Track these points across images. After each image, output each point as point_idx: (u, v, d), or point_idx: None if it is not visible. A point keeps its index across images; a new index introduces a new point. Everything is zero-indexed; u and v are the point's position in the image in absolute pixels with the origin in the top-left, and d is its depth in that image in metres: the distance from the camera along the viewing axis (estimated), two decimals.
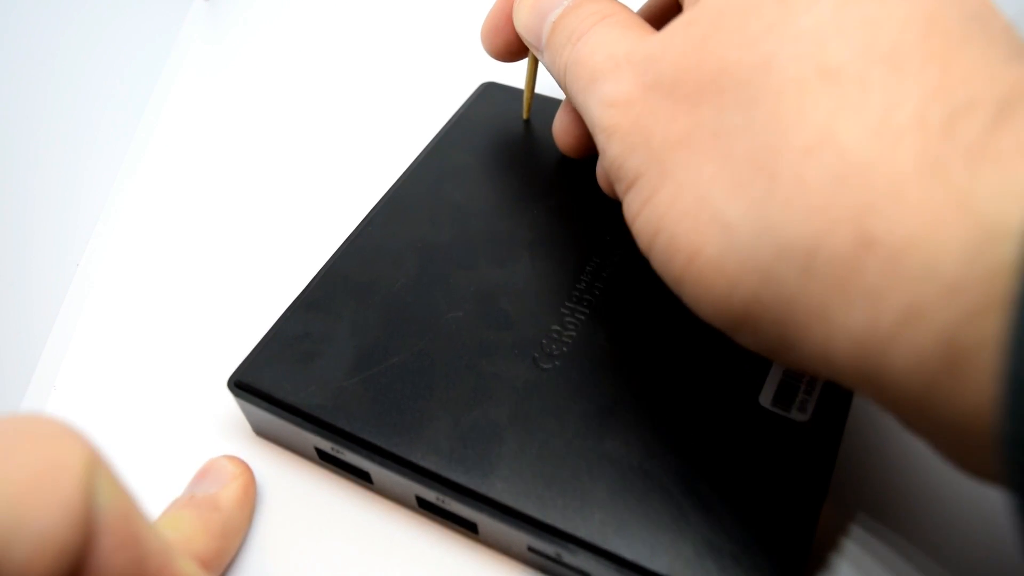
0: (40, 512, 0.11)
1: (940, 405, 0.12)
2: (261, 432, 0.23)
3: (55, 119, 0.28)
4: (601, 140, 0.18)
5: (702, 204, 0.15)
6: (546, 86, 0.30)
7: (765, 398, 0.20)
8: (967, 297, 0.11)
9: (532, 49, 0.23)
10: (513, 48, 0.25)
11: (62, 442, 0.12)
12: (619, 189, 0.18)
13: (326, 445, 0.21)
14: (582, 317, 0.22)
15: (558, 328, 0.22)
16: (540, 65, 0.27)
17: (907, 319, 0.12)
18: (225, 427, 0.23)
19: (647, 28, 0.19)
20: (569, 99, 0.21)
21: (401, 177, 0.26)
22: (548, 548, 0.19)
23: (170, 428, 0.23)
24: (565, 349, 0.21)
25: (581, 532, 0.18)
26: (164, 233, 0.29)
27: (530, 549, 0.19)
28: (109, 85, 0.32)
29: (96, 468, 0.12)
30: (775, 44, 0.15)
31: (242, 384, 0.21)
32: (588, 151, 0.24)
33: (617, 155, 0.18)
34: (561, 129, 0.24)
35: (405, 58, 0.36)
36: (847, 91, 0.14)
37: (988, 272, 0.11)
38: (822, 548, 0.20)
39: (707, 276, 0.15)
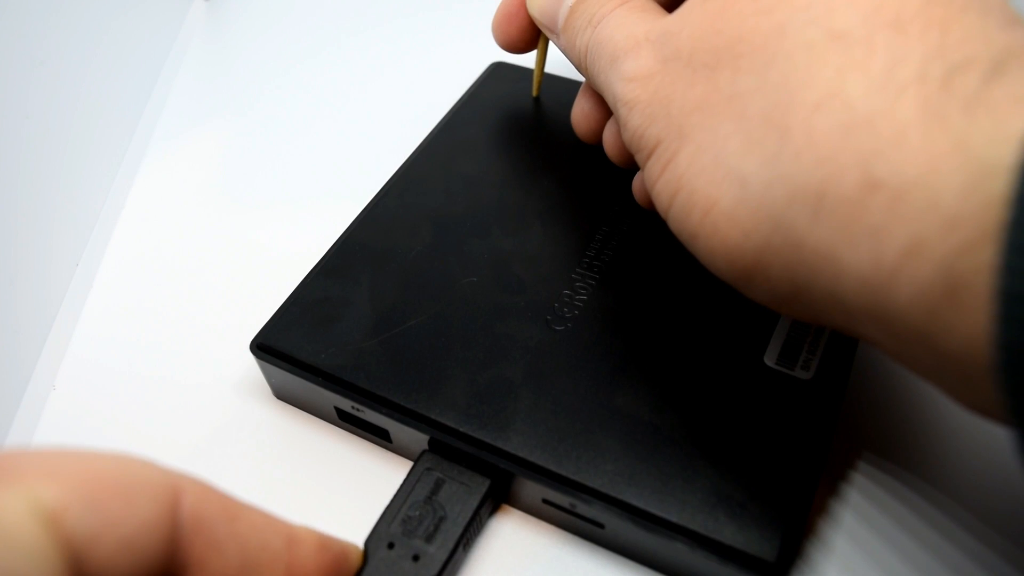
0: (119, 516, 0.13)
1: (942, 336, 0.13)
2: (281, 395, 0.23)
3: (55, 119, 0.28)
4: (623, 113, 0.19)
5: (718, 161, 0.16)
6: (554, 66, 0.30)
7: (770, 357, 0.21)
8: (964, 229, 0.12)
9: (547, 32, 0.24)
10: (526, 36, 0.26)
11: (144, 472, 0.14)
12: (640, 158, 0.19)
13: (346, 404, 0.21)
14: (592, 282, 0.23)
15: (569, 292, 0.22)
16: (550, 46, 0.27)
17: (909, 253, 0.13)
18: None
19: (662, 11, 0.20)
20: (589, 79, 0.22)
21: (415, 152, 0.27)
22: (562, 499, 0.19)
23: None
24: (576, 312, 0.22)
25: (594, 483, 0.19)
26: (164, 233, 0.29)
27: (545, 501, 0.20)
28: (109, 85, 0.31)
29: (180, 487, 0.14)
30: (788, 12, 0.16)
31: (264, 346, 0.22)
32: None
33: (638, 125, 0.19)
34: (580, 115, 0.25)
35: (411, 45, 0.36)
36: (854, 52, 0.15)
37: (983, 205, 0.12)
38: (827, 493, 0.21)
39: (722, 227, 0.16)
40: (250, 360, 0.23)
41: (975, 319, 0.12)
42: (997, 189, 0.12)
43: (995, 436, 0.22)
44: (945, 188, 0.13)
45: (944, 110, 0.13)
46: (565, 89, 0.29)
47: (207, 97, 0.34)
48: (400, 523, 0.19)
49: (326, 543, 0.16)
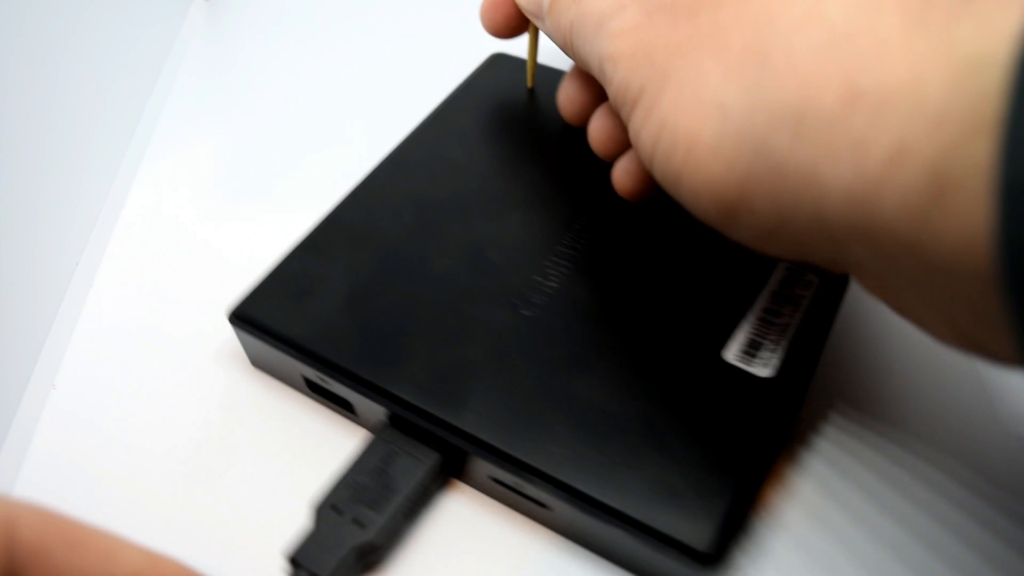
0: None
1: (931, 244, 0.13)
2: (257, 364, 0.24)
3: (55, 119, 0.28)
4: (608, 70, 0.19)
5: (700, 95, 0.16)
6: (551, 58, 0.31)
7: (730, 353, 0.21)
8: (952, 127, 0.12)
9: (532, 19, 0.25)
10: (512, 23, 0.26)
11: None
12: (625, 113, 0.19)
13: (313, 374, 0.22)
14: (564, 271, 0.23)
15: (540, 279, 0.23)
16: (540, 36, 0.28)
17: (893, 160, 0.13)
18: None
19: None
20: (575, 56, 0.22)
21: (406, 137, 0.28)
22: (509, 478, 0.20)
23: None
24: (545, 299, 0.22)
25: (539, 464, 0.19)
26: (164, 233, 0.29)
27: (493, 479, 0.20)
28: (109, 85, 0.31)
29: (14, 517, 0.14)
30: None
31: (240, 316, 0.23)
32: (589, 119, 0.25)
33: (623, 78, 0.19)
34: (565, 98, 0.25)
35: (412, 42, 0.36)
36: None
37: (972, 101, 0.12)
38: (799, 446, 0.22)
39: (705, 162, 0.16)
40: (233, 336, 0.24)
41: (966, 220, 0.12)
42: (988, 83, 0.12)
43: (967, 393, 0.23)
44: (930, 90, 0.13)
45: (926, 18, 0.13)
46: (560, 81, 0.29)
47: (207, 97, 0.34)
48: (349, 489, 0.20)
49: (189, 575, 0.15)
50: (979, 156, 0.12)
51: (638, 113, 0.18)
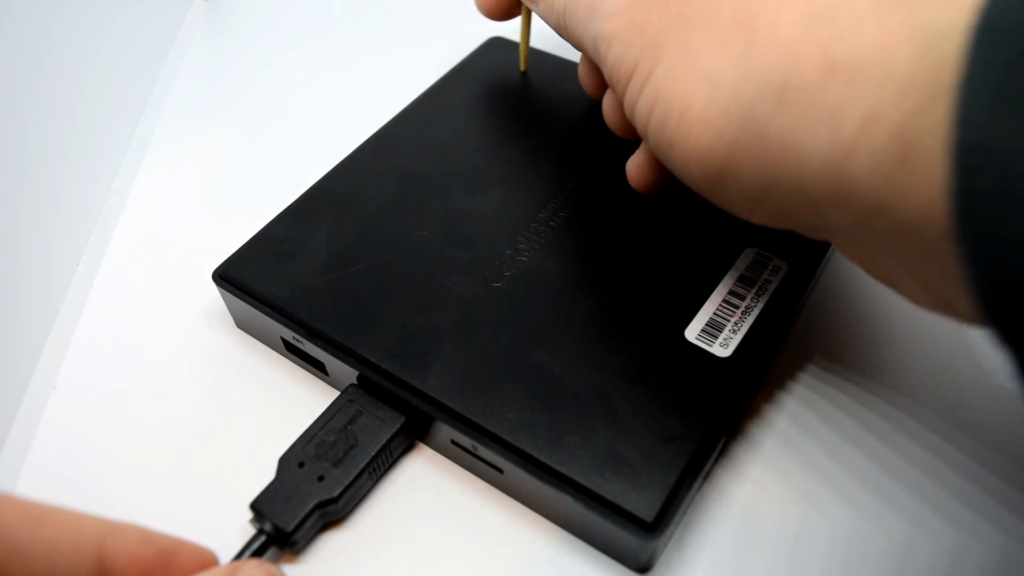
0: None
1: (899, 205, 0.14)
2: (240, 324, 0.25)
3: (55, 118, 0.28)
4: (603, 49, 0.20)
5: (692, 67, 0.17)
6: (546, 42, 0.31)
7: (691, 332, 0.21)
8: (916, 93, 0.13)
9: (526, 1, 0.25)
10: (505, 5, 0.27)
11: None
12: (620, 88, 0.20)
13: (288, 335, 0.23)
14: (535, 246, 0.24)
15: (511, 252, 0.23)
16: (533, 21, 0.28)
17: (864, 125, 0.14)
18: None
19: None
20: (569, 38, 0.22)
21: (398, 113, 0.28)
22: (466, 441, 0.20)
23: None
24: (515, 271, 0.23)
25: (495, 428, 0.20)
26: (164, 233, 0.29)
27: (452, 442, 0.21)
28: (109, 84, 0.31)
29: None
30: None
31: (224, 276, 0.24)
32: None
33: (617, 55, 0.19)
34: (583, 75, 0.25)
35: (411, 39, 0.36)
36: None
37: (933, 68, 0.13)
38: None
39: (695, 130, 0.17)
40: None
41: (929, 180, 0.13)
42: (947, 50, 0.13)
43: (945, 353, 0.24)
44: (898, 58, 0.13)
45: None
46: (552, 65, 0.30)
47: (207, 96, 0.34)
48: (314, 446, 0.21)
49: (148, 538, 0.16)
50: (938, 119, 0.13)
51: (633, 86, 0.19)
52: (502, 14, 0.27)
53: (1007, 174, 0.11)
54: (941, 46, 0.13)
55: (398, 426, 0.21)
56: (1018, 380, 0.13)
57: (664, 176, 0.22)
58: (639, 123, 0.19)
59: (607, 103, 0.23)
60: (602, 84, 0.25)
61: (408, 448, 0.22)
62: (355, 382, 0.22)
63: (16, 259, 0.25)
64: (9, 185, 0.25)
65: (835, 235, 0.17)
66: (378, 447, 0.21)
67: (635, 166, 0.23)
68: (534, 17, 0.28)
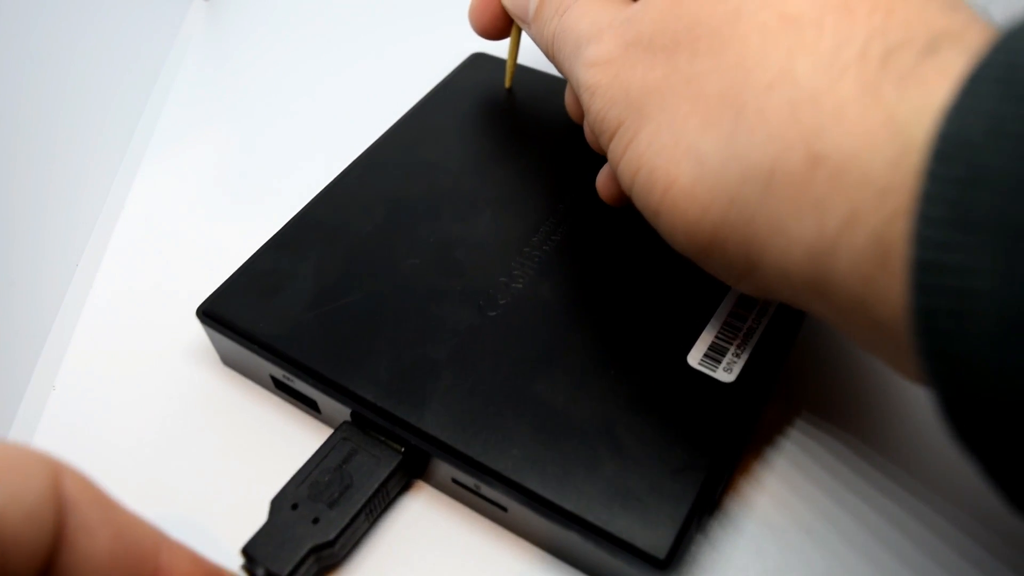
0: (20, 489, 0.13)
1: (876, 305, 0.14)
2: (227, 361, 0.24)
3: (55, 118, 0.28)
4: (585, 98, 0.20)
5: (678, 139, 0.17)
6: (531, 59, 0.31)
7: (694, 358, 0.21)
8: (893, 199, 0.13)
9: (519, 22, 0.25)
10: (499, 24, 0.26)
11: (29, 451, 0.14)
12: (603, 141, 0.19)
13: (279, 373, 0.22)
14: (530, 272, 0.23)
15: (506, 280, 0.23)
16: (523, 37, 0.28)
17: (847, 223, 0.14)
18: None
19: (626, 1, 0.21)
20: (557, 67, 0.22)
21: (382, 135, 0.27)
22: (468, 480, 0.20)
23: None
24: (510, 299, 0.22)
25: (498, 466, 0.19)
26: (164, 233, 0.29)
27: (454, 480, 0.20)
28: (109, 85, 0.31)
29: (61, 469, 0.14)
30: None
31: (209, 313, 0.23)
32: None
33: (600, 109, 0.19)
34: (569, 100, 0.25)
35: (411, 42, 0.36)
36: (805, 34, 0.15)
37: (907, 176, 0.13)
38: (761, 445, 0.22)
39: (681, 204, 0.17)
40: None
41: (901, 285, 0.13)
42: (915, 159, 0.13)
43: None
44: (877, 160, 0.13)
45: (880, 86, 0.14)
46: (538, 82, 0.29)
47: (206, 97, 0.34)
48: (308, 487, 0.20)
49: (198, 560, 0.16)
50: (908, 228, 0.13)
51: (616, 145, 0.19)
52: (497, 33, 0.26)
53: (960, 294, 0.12)
54: (913, 155, 0.13)
55: (395, 464, 0.20)
56: (986, 484, 0.13)
57: None
58: (623, 182, 0.19)
59: (589, 132, 0.23)
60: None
61: (406, 486, 0.22)
62: (348, 419, 0.21)
63: (15, 259, 0.25)
64: (9, 185, 0.25)
65: (817, 314, 0.17)
66: (375, 486, 0.20)
67: (607, 178, 0.23)
68: (523, 36, 0.27)
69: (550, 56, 0.23)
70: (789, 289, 0.16)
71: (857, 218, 0.14)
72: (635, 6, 0.19)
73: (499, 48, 0.31)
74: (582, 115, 0.25)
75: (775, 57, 0.15)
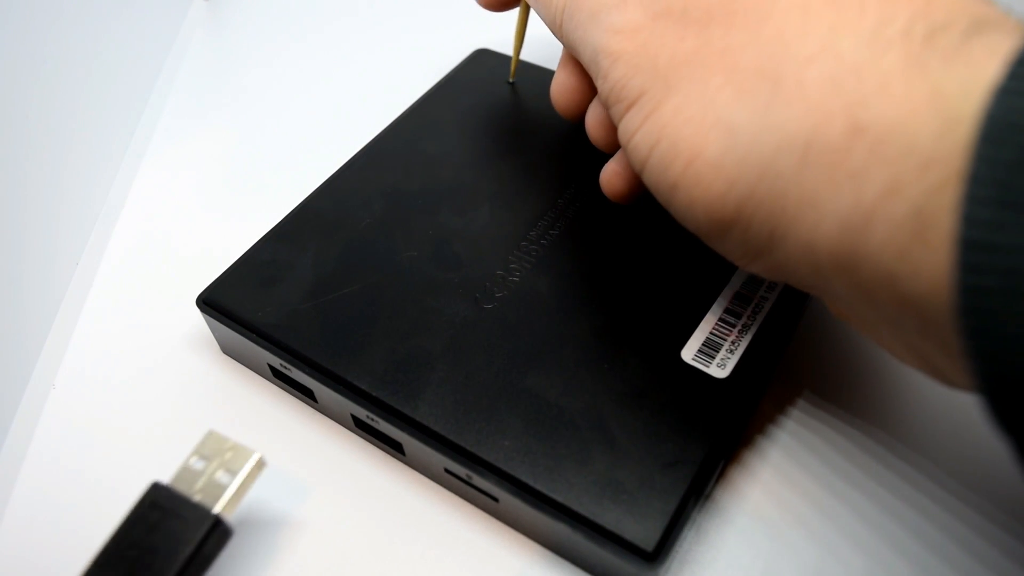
0: None
1: (908, 278, 0.14)
2: (226, 350, 0.24)
3: (55, 118, 0.28)
4: (604, 65, 0.19)
5: (707, 111, 0.17)
6: (535, 55, 0.31)
7: (688, 353, 0.21)
8: (935, 171, 0.13)
9: None
10: None
11: None
12: (618, 111, 0.19)
13: (276, 362, 0.22)
14: (527, 266, 0.23)
15: (503, 273, 0.23)
16: (527, 30, 0.28)
17: (886, 194, 0.14)
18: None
19: None
20: (564, 37, 0.22)
21: (384, 129, 0.28)
22: (460, 470, 0.20)
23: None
24: (506, 292, 0.22)
25: (489, 456, 0.19)
26: (164, 232, 0.29)
27: (446, 471, 0.20)
28: (109, 84, 0.31)
29: None
30: None
31: (208, 302, 0.23)
32: (583, 113, 0.24)
33: (621, 76, 0.19)
34: (561, 88, 0.24)
35: (410, 40, 0.36)
36: (847, 12, 0.16)
37: (952, 149, 0.13)
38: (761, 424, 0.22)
39: (705, 177, 0.17)
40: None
41: (941, 259, 0.13)
42: (962, 135, 0.13)
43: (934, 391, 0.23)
44: (922, 132, 0.13)
45: (925, 61, 0.14)
46: (541, 78, 0.29)
47: (207, 97, 0.34)
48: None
49: None
50: (953, 199, 0.13)
51: (634, 115, 0.18)
52: (500, 5, 0.26)
53: (1010, 273, 0.12)
54: (960, 129, 0.13)
55: (209, 528, 0.18)
56: (1017, 465, 0.13)
57: (641, 186, 0.22)
58: (635, 156, 0.18)
59: (593, 119, 0.23)
60: (581, 103, 0.24)
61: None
62: (348, 415, 0.21)
63: (16, 258, 0.25)
64: (9, 184, 0.25)
65: (831, 298, 0.17)
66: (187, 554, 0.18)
67: (612, 174, 0.22)
68: (530, 20, 0.27)
69: (556, 28, 0.22)
70: (809, 266, 0.16)
71: (897, 189, 0.14)
72: None
73: (502, 44, 0.31)
74: (572, 103, 0.24)
75: (817, 32, 0.16)
